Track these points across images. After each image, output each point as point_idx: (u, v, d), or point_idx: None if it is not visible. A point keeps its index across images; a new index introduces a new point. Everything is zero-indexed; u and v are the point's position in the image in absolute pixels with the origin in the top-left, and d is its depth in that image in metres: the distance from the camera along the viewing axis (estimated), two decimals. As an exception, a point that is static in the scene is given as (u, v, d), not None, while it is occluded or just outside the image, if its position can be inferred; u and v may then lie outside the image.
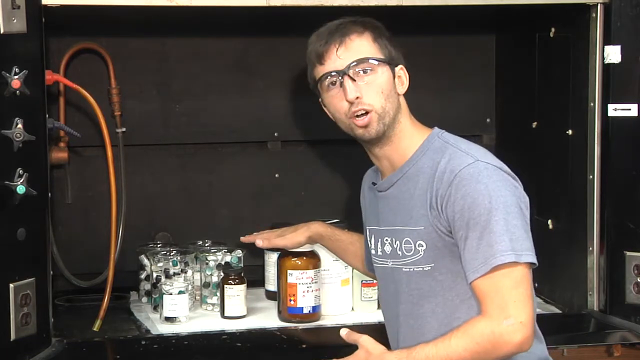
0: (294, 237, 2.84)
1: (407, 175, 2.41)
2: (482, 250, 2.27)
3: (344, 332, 2.41)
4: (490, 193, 2.27)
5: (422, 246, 2.37)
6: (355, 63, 2.39)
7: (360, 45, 2.40)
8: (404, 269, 2.42)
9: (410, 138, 2.43)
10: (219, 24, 3.28)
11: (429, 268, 2.37)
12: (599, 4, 2.95)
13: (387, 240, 2.46)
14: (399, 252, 2.42)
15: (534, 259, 2.28)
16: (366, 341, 2.35)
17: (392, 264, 2.45)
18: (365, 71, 2.39)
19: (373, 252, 2.52)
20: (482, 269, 2.27)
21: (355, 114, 2.39)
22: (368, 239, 2.56)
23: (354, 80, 2.38)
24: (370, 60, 2.39)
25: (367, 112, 2.39)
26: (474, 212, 2.27)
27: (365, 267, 2.75)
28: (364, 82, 2.39)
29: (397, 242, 2.42)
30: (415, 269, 2.40)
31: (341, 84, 2.39)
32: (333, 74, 2.40)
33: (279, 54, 3.40)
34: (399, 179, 2.43)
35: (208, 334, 2.91)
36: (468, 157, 2.32)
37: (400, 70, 2.44)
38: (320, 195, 3.53)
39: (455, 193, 2.30)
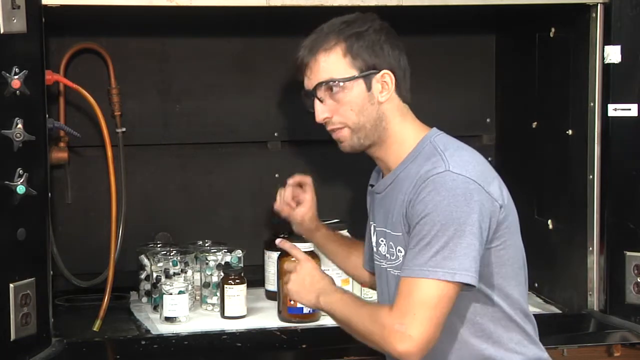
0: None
1: (397, 179, 2.42)
2: (419, 256, 2.26)
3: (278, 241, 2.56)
4: (446, 207, 2.25)
5: (401, 252, 2.38)
6: (320, 85, 2.40)
7: (326, 65, 2.40)
8: (390, 272, 2.43)
9: (402, 141, 2.42)
10: (219, 24, 3.28)
11: None
12: (599, 4, 2.95)
13: (382, 241, 2.47)
14: (387, 255, 2.43)
15: (470, 280, 2.25)
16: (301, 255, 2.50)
17: (385, 265, 2.46)
18: (333, 90, 2.39)
19: (374, 249, 2.53)
20: (408, 272, 2.27)
21: (330, 132, 2.44)
22: (371, 235, 2.57)
23: (322, 101, 2.40)
24: (335, 82, 2.39)
25: (341, 128, 2.42)
26: (426, 221, 2.26)
27: (366, 266, 2.73)
28: (333, 101, 2.40)
29: (387, 244, 2.43)
30: (397, 273, 2.40)
31: (313, 103, 2.43)
32: (307, 92, 2.44)
33: (279, 54, 3.40)
34: (392, 182, 2.43)
35: (208, 334, 2.91)
36: (441, 166, 2.30)
37: (386, 76, 2.40)
38: (320, 195, 3.51)
39: (416, 198, 2.29)
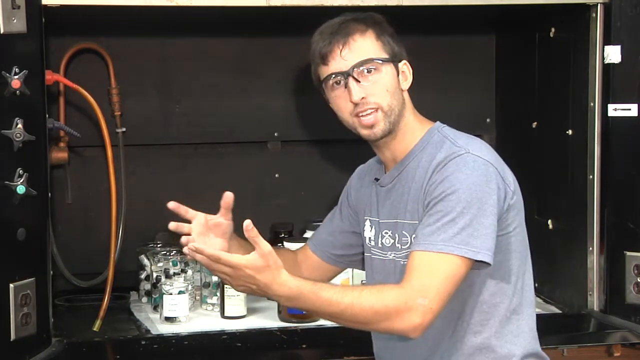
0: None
1: (407, 169, 2.42)
2: (442, 232, 2.25)
3: (246, 223, 2.27)
4: (470, 186, 2.27)
5: None
6: (359, 64, 2.38)
7: (364, 45, 2.40)
8: (402, 262, 2.43)
9: (412, 132, 2.44)
10: (219, 24, 3.28)
11: None
12: (599, 4, 2.95)
13: (387, 233, 2.46)
14: (398, 245, 2.43)
15: (489, 259, 2.27)
16: (266, 248, 2.20)
17: (392, 256, 2.46)
18: (369, 71, 2.39)
19: (371, 243, 2.52)
20: (430, 247, 2.25)
21: (361, 114, 2.40)
22: (364, 228, 2.56)
23: (358, 81, 2.39)
24: (374, 60, 2.39)
25: (375, 110, 2.40)
26: (451, 198, 2.27)
27: (318, 251, 2.67)
28: (368, 82, 2.39)
29: (397, 235, 2.43)
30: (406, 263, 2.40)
31: (345, 85, 2.39)
32: (338, 75, 2.40)
33: (279, 54, 3.40)
34: (400, 173, 2.44)
35: (208, 334, 2.91)
36: (460, 150, 2.34)
37: (404, 66, 2.44)
38: (320, 195, 3.52)
39: (438, 178, 2.31)
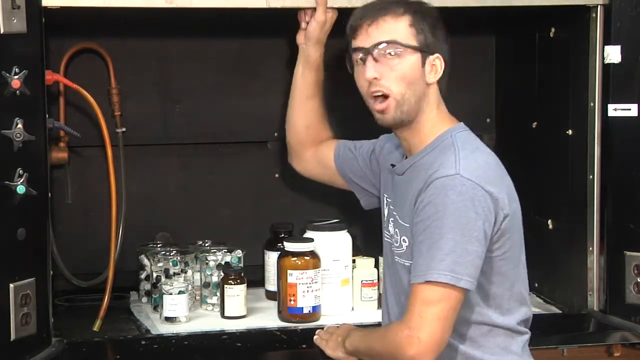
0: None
1: (415, 165, 2.42)
2: (426, 260, 2.28)
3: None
4: (454, 211, 2.27)
5: (405, 242, 2.39)
6: (381, 44, 2.38)
7: (393, 27, 2.39)
8: (395, 257, 2.44)
9: (430, 128, 2.43)
10: (219, 24, 3.28)
11: (409, 264, 2.38)
12: (599, 5, 2.95)
13: (392, 221, 2.47)
14: (396, 237, 2.45)
15: (471, 286, 2.29)
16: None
17: (392, 248, 2.48)
18: (390, 54, 2.38)
19: (384, 224, 2.54)
20: (415, 279, 2.29)
21: (373, 94, 2.40)
22: (382, 203, 2.57)
23: (377, 60, 2.38)
24: (397, 44, 2.38)
25: (385, 97, 2.39)
26: (433, 223, 2.28)
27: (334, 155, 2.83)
28: (387, 66, 2.38)
29: (397, 229, 2.44)
30: (400, 261, 2.42)
31: (364, 62, 2.39)
32: (361, 51, 2.41)
33: (279, 54, 3.40)
34: (409, 167, 2.44)
35: (208, 334, 2.91)
36: (452, 168, 2.31)
37: (436, 60, 2.41)
38: (320, 195, 3.52)
39: (424, 199, 2.31)
